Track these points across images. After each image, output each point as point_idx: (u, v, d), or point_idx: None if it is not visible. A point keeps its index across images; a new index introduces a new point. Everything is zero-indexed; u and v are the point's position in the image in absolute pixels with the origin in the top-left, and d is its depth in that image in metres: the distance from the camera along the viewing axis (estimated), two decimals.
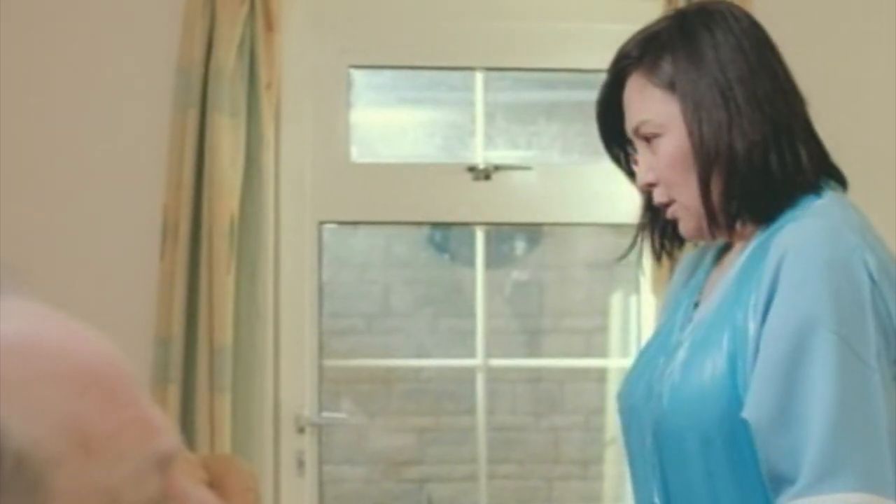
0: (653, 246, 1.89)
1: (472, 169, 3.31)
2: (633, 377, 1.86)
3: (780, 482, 1.61)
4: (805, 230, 1.66)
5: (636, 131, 1.79)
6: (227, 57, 3.02)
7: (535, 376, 4.62)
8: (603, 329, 3.97)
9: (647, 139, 1.78)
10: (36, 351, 0.72)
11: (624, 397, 1.86)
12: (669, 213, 1.80)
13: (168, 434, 0.76)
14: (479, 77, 3.38)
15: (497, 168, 3.31)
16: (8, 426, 0.69)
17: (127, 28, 3.16)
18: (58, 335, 0.74)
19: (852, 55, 3.25)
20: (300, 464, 3.17)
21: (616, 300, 3.89)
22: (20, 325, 0.73)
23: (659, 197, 1.80)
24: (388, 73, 3.63)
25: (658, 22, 1.83)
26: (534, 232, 4.49)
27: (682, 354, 1.73)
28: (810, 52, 3.18)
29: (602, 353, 4.10)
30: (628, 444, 1.86)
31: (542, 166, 3.48)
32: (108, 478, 0.72)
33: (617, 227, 3.28)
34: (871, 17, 3.25)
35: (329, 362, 3.43)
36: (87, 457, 0.71)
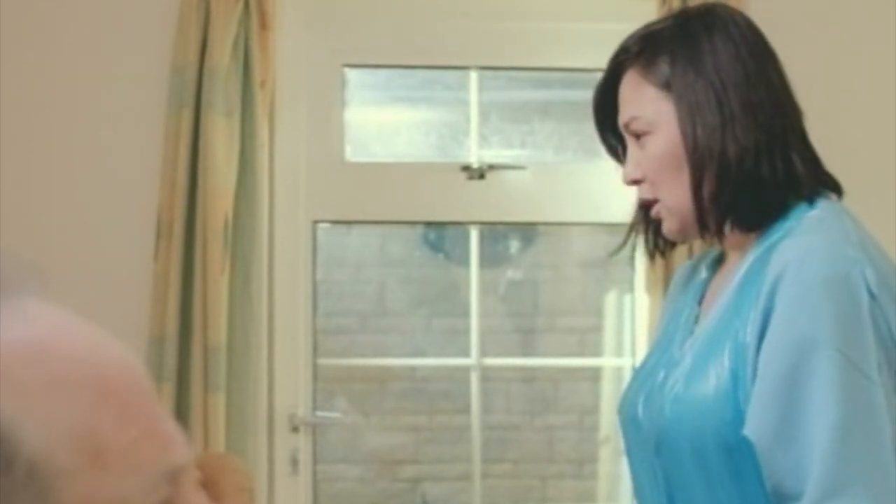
0: (646, 244, 1.90)
1: (466, 168, 3.31)
2: (632, 390, 1.87)
3: (785, 499, 1.61)
4: (804, 246, 1.66)
5: (626, 126, 1.80)
6: (222, 56, 3.01)
7: (530, 375, 4.62)
8: (597, 328, 3.96)
9: (637, 136, 1.79)
10: (55, 357, 0.72)
11: (625, 410, 1.86)
12: (654, 212, 1.80)
13: (180, 447, 0.76)
14: (473, 76, 3.38)
15: (491, 167, 3.31)
16: (23, 432, 0.68)
17: (121, 27, 3.15)
18: (77, 341, 0.74)
19: (852, 56, 3.25)
20: (294, 463, 3.17)
21: (610, 299, 3.89)
22: (40, 330, 0.73)
23: (643, 193, 1.81)
24: (382, 72, 3.63)
25: (661, 21, 1.84)
26: (528, 231, 4.48)
27: (684, 367, 1.73)
28: (809, 53, 3.18)
29: (596, 352, 4.10)
30: (630, 456, 1.87)
31: (537, 165, 3.48)
32: (118, 490, 0.71)
33: (611, 227, 3.27)
34: (870, 18, 3.25)
35: (323, 361, 3.43)
36: (100, 468, 0.70)
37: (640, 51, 1.79)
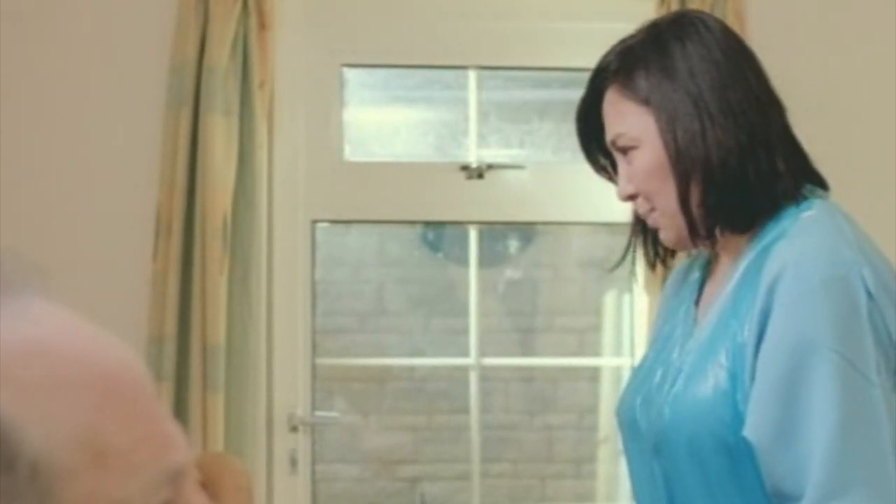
0: (646, 254, 1.90)
1: (465, 168, 3.31)
2: (630, 391, 1.87)
3: (785, 499, 1.61)
4: (801, 247, 1.67)
5: (613, 143, 1.81)
6: (220, 55, 3.01)
7: (529, 375, 4.62)
8: (596, 328, 3.97)
9: (624, 152, 1.79)
10: (57, 357, 0.72)
11: (622, 412, 1.86)
12: (651, 221, 1.81)
13: (181, 448, 0.76)
14: (472, 76, 3.38)
15: (490, 167, 3.31)
16: (25, 432, 0.68)
17: (120, 26, 3.15)
18: (79, 341, 0.74)
19: (852, 56, 3.25)
20: (293, 463, 3.17)
21: (609, 299, 3.89)
22: (42, 330, 0.73)
23: (640, 207, 1.81)
24: (381, 72, 3.63)
25: (634, 35, 1.84)
26: (527, 231, 4.49)
27: (683, 368, 1.73)
28: (809, 54, 3.18)
29: (595, 351, 4.10)
30: (628, 458, 1.87)
31: (536, 165, 3.48)
32: (119, 491, 0.71)
33: (610, 226, 3.28)
34: (870, 18, 3.25)
35: (322, 361, 3.43)
36: (102, 469, 0.70)
37: (618, 68, 1.80)
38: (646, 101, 1.76)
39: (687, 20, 1.82)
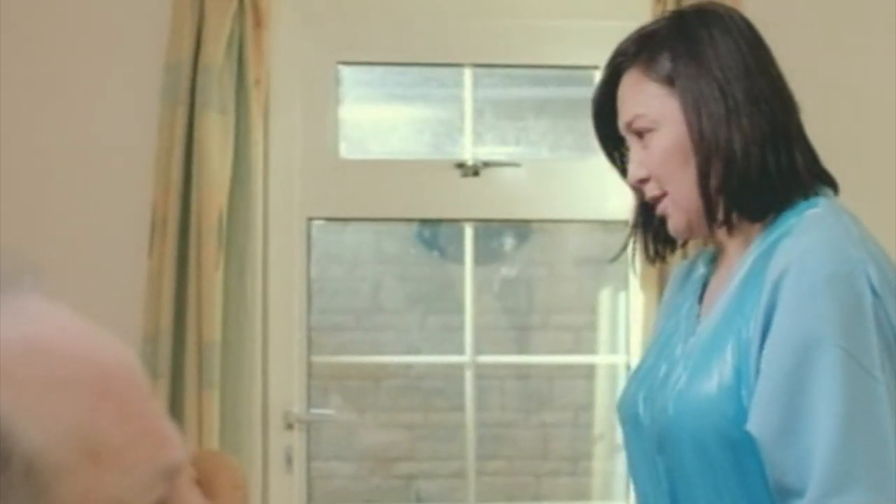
0: (645, 248, 1.90)
1: (460, 165, 3.31)
2: (632, 387, 1.87)
3: (788, 495, 1.62)
4: (806, 244, 1.67)
5: (629, 126, 1.81)
6: (216, 53, 3.01)
7: (524, 373, 4.62)
8: (592, 325, 3.97)
9: (640, 134, 1.79)
10: (53, 355, 0.72)
11: (624, 408, 1.86)
12: (660, 209, 1.81)
13: (177, 445, 0.76)
14: (468, 73, 3.38)
15: (486, 164, 3.31)
16: (22, 430, 0.69)
17: (115, 24, 3.15)
18: (76, 339, 0.74)
19: (850, 55, 3.25)
20: (289, 460, 3.17)
21: (605, 296, 3.89)
22: (39, 328, 0.73)
23: (652, 191, 1.81)
24: (376, 70, 3.63)
25: (655, 22, 1.85)
26: (523, 228, 4.49)
27: (687, 364, 1.74)
28: (806, 53, 3.18)
29: (591, 349, 4.10)
30: (630, 454, 1.87)
31: (531, 163, 3.48)
32: (115, 488, 0.71)
33: (606, 224, 3.28)
34: (870, 18, 3.25)
35: (318, 359, 3.42)
36: (97, 467, 0.71)
37: (639, 51, 1.81)
38: (669, 82, 1.77)
39: (713, 11, 1.84)
